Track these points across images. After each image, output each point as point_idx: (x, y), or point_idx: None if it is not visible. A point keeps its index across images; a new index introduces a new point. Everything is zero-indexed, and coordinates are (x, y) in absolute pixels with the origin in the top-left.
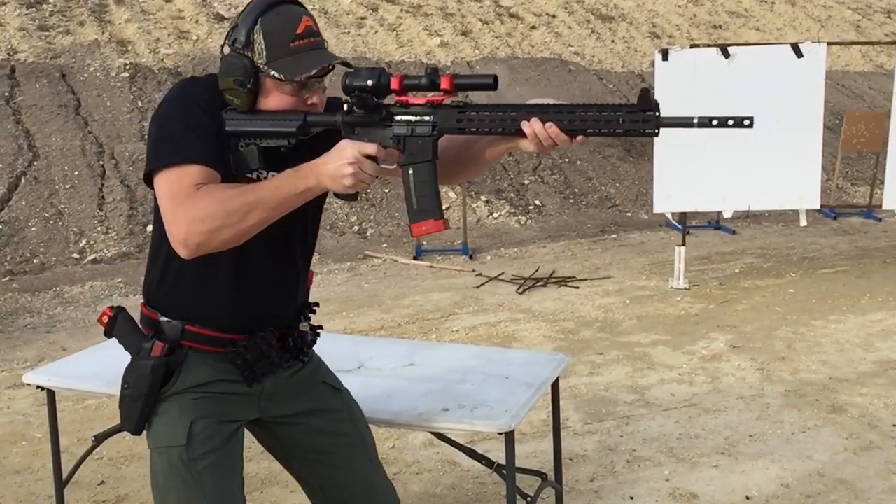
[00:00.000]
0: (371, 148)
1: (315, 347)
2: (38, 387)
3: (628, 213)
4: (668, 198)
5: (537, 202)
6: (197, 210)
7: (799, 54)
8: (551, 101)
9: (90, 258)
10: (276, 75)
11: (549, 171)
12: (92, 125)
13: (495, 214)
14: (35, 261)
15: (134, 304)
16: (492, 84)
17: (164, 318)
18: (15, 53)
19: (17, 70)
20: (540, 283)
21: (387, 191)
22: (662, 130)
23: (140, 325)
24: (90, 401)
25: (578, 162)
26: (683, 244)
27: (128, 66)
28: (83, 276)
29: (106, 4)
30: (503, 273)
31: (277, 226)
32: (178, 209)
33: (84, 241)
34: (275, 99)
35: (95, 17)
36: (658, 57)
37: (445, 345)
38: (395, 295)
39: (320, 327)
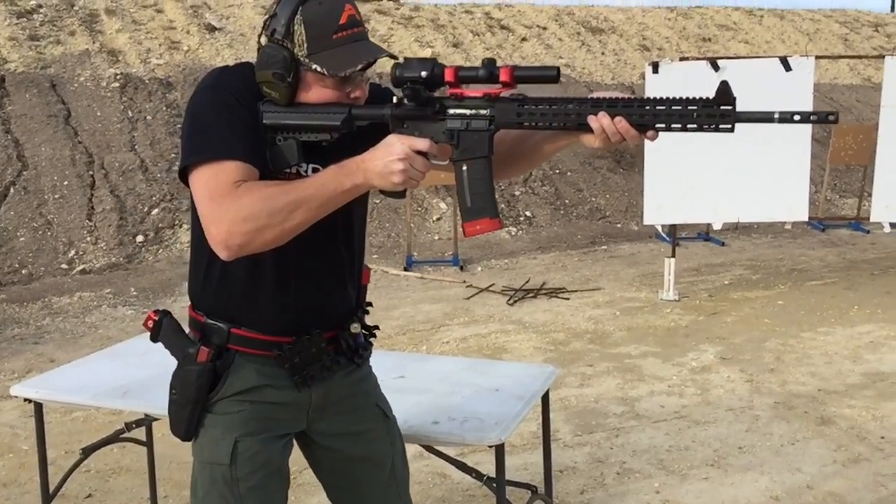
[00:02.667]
0: (423, 143)
1: None
2: (25, 399)
3: (618, 225)
4: (658, 209)
5: (528, 213)
6: (238, 210)
7: (787, 67)
8: (618, 95)
9: (79, 269)
10: (319, 69)
11: (540, 182)
12: (82, 135)
13: None
14: (23, 271)
15: (122, 315)
16: (555, 76)
17: (209, 321)
18: (5, 63)
19: (6, 79)
20: (530, 295)
21: (377, 201)
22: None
23: (188, 328)
24: (78, 413)
25: (569, 173)
26: (673, 256)
27: (118, 76)
28: (72, 287)
29: (97, 14)
30: (494, 284)
31: (320, 222)
32: (218, 209)
33: (73, 252)
34: (316, 92)
35: (86, 27)
36: (648, 69)
37: (436, 357)
38: (386, 306)
39: (376, 328)
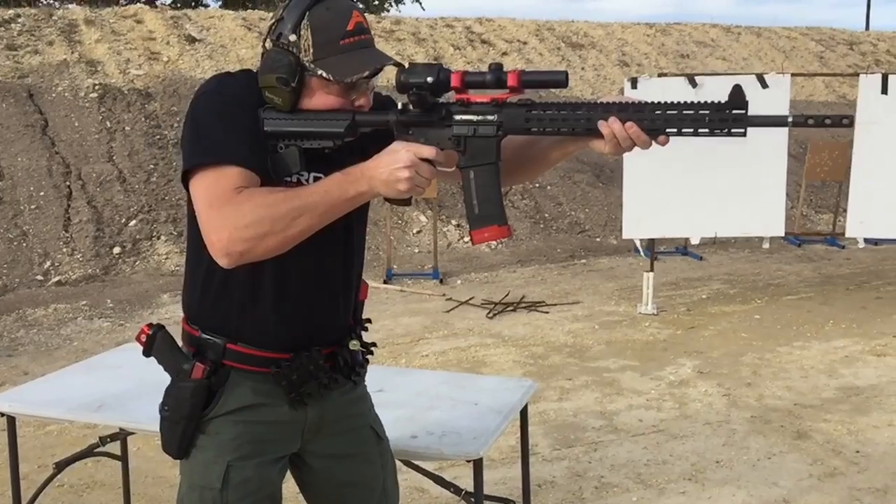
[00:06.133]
0: (429, 151)
1: None
2: None
3: (598, 239)
4: (636, 224)
5: None
6: (240, 216)
7: (764, 84)
8: (628, 100)
9: (54, 280)
10: (324, 75)
11: (520, 196)
12: (59, 145)
13: (466, 238)
14: None
15: (97, 328)
16: (563, 81)
17: (205, 335)
18: None
19: None
20: (510, 308)
21: None
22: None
23: (181, 342)
24: (51, 426)
25: (549, 187)
26: (652, 270)
27: (97, 87)
28: (47, 299)
29: (76, 24)
30: (473, 297)
31: (319, 233)
32: (219, 215)
33: (48, 263)
34: (319, 99)
35: (65, 37)
36: (627, 85)
37: (414, 371)
38: None
39: (373, 345)
